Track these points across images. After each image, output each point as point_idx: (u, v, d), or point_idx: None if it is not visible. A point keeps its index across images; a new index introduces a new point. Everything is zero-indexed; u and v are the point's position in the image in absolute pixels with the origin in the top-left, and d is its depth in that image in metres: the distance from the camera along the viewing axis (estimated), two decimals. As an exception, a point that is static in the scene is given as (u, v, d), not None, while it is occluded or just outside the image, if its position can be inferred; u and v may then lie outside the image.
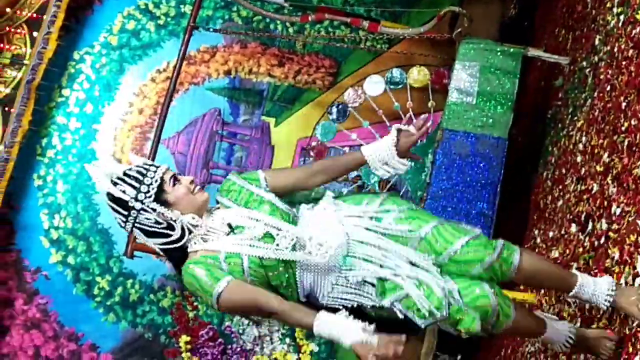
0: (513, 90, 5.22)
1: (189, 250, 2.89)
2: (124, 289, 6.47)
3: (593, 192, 3.80)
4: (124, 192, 2.84)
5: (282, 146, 6.69)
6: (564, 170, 4.50)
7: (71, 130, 6.80)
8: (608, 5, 4.33)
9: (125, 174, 2.89)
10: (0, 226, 6.44)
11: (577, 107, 4.56)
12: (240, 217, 2.86)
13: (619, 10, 4.06)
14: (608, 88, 3.89)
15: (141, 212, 2.83)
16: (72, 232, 6.54)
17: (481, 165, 5.15)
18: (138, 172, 2.88)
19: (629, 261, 3.04)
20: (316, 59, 6.99)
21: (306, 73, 6.95)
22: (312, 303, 2.89)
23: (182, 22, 6.68)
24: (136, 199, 2.83)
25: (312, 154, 5.87)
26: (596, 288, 2.90)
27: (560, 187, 4.49)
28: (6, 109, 6.36)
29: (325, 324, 2.67)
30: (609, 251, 3.31)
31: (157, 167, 2.91)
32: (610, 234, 3.37)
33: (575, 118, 4.50)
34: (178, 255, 2.89)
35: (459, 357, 6.45)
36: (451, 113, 5.22)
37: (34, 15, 6.52)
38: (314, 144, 5.89)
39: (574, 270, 3.13)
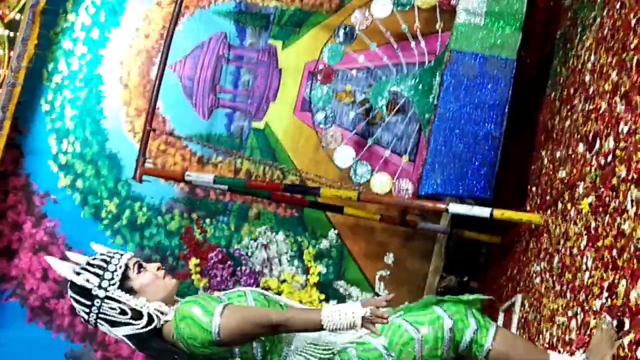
0: (522, 10, 5.15)
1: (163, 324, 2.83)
2: (132, 212, 6.51)
3: (601, 111, 3.78)
4: (87, 280, 2.79)
5: (290, 70, 6.64)
6: (572, 90, 4.46)
7: (77, 56, 6.76)
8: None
9: (88, 263, 2.85)
10: (9, 151, 6.45)
11: (586, 26, 4.50)
12: None
13: None
14: (618, 6, 3.83)
15: (105, 300, 2.78)
16: (81, 156, 6.56)
17: (489, 86, 5.10)
18: (102, 260, 2.84)
19: (635, 178, 3.04)
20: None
21: (313, -8, 6.86)
22: None
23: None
24: (100, 287, 2.79)
25: (319, 77, 5.82)
26: None
27: (569, 107, 4.46)
28: (10, 33, 6.33)
29: (333, 314, 2.64)
30: (616, 169, 3.31)
31: (122, 254, 2.87)
32: (618, 152, 3.35)
33: (584, 37, 4.44)
34: (148, 340, 2.81)
35: (465, 278, 6.52)
36: (459, 34, 5.16)
37: (37, -61, 6.44)
38: (321, 67, 5.84)
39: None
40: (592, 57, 4.17)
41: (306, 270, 6.05)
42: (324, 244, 5.86)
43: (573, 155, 4.12)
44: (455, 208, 4.90)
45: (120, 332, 2.80)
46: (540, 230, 4.53)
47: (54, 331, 6.39)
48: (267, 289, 5.23)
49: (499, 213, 4.76)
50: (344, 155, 5.61)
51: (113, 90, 6.67)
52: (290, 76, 6.58)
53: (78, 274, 2.81)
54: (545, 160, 4.78)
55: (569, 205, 3.99)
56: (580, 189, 3.83)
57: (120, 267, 2.82)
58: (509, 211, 4.79)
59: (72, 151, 6.57)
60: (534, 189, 4.96)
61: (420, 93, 5.50)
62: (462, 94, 5.09)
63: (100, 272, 2.80)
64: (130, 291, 2.81)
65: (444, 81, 5.12)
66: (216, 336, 2.66)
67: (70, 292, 2.84)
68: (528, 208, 4.99)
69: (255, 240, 5.76)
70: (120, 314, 2.79)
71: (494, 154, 5.02)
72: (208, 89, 6.61)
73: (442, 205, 4.98)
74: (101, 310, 2.79)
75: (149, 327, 2.79)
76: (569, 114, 4.43)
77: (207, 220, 6.41)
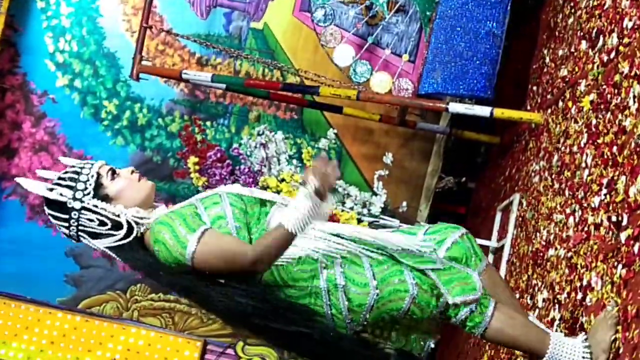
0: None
1: (143, 232, 2.79)
2: (132, 112, 6.47)
3: (605, 7, 3.73)
4: (60, 194, 2.74)
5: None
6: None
7: (72, -48, 6.61)
8: None
9: (59, 177, 2.80)
10: (5, 49, 6.37)
11: None
12: None
13: None
14: None
15: (82, 212, 2.73)
16: (78, 55, 6.47)
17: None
18: (73, 172, 2.79)
19: (639, 74, 3.02)
20: None
21: None
22: None
23: None
24: (74, 199, 2.74)
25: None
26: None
27: (572, 3, 4.40)
28: None
29: (290, 215, 2.55)
30: (619, 65, 3.28)
31: (92, 163, 2.82)
32: (621, 48, 3.32)
33: None
34: (131, 251, 2.76)
35: (463, 179, 6.55)
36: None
37: None
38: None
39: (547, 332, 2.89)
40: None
41: (305, 169, 6.05)
42: (323, 143, 5.84)
43: (575, 53, 4.09)
44: (455, 107, 4.89)
45: (102, 244, 2.76)
46: (540, 129, 4.53)
47: (54, 229, 6.43)
48: (266, 188, 5.23)
49: (499, 112, 4.75)
50: (344, 54, 5.55)
51: (109, -13, 6.54)
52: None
53: (51, 190, 2.77)
54: (547, 59, 4.74)
55: (569, 104, 3.98)
56: (582, 87, 3.81)
57: (92, 175, 2.77)
58: (510, 110, 4.78)
59: (69, 50, 6.47)
60: (534, 88, 4.94)
61: (422, -10, 5.40)
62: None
63: (72, 184, 2.75)
64: (106, 198, 2.77)
65: (446, -22, 5.04)
66: (189, 263, 2.63)
67: (47, 210, 2.80)
68: (528, 107, 4.97)
69: (254, 139, 5.74)
70: (99, 225, 2.75)
71: (496, 52, 4.97)
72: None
73: (442, 104, 4.97)
74: (80, 223, 2.75)
75: (130, 237, 2.75)
76: (573, 11, 4.37)
77: (208, 123, 6.38)
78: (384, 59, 5.63)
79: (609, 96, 3.34)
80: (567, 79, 4.14)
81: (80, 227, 2.76)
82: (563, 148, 3.92)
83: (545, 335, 2.80)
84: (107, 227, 2.75)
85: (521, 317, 2.89)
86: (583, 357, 2.69)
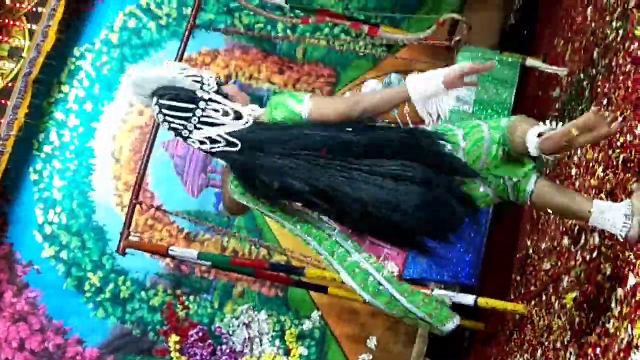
0: (510, 100, 5.24)
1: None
2: (115, 285, 6.47)
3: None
4: (190, 85, 2.90)
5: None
6: (558, 181, 4.51)
7: (69, 127, 6.80)
8: (608, 19, 4.34)
9: (184, 76, 2.93)
10: (-5, 217, 6.45)
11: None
12: None
13: (618, 24, 4.07)
14: (605, 102, 3.90)
15: (209, 102, 2.90)
16: (66, 227, 6.54)
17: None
18: (190, 72, 2.95)
19: (620, 276, 3.05)
20: (316, 68, 7.02)
21: (306, 82, 6.97)
22: None
23: (184, 23, 6.67)
24: (203, 90, 2.91)
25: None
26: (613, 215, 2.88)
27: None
28: (2, 101, 6.35)
29: (418, 81, 2.80)
30: (602, 266, 3.32)
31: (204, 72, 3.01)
32: (603, 248, 3.37)
33: (571, 130, 4.50)
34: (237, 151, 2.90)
35: (447, 364, 6.47)
36: (448, 121, 5.21)
37: (34, 8, 6.51)
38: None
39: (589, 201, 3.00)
40: (579, 151, 4.22)
41: (287, 352, 5.99)
42: (307, 324, 5.81)
43: (558, 248, 4.14)
44: (440, 294, 4.89)
45: (220, 130, 2.89)
46: (524, 321, 4.52)
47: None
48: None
49: (483, 301, 4.74)
50: (331, 236, 5.60)
51: (104, 163, 6.69)
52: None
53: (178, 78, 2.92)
54: (530, 250, 4.80)
55: (553, 298, 3.99)
56: (565, 283, 3.84)
57: (212, 77, 2.96)
58: (494, 300, 4.78)
59: (58, 222, 6.55)
60: (518, 277, 4.97)
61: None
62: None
63: (197, 79, 2.92)
64: (227, 97, 2.95)
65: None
66: (306, 117, 2.86)
67: (165, 102, 2.89)
68: (512, 296, 4.98)
69: (237, 318, 5.71)
70: (223, 115, 2.90)
71: (480, 240, 5.05)
72: (199, 169, 6.64)
73: (426, 291, 4.97)
74: (205, 113, 2.89)
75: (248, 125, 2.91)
76: (555, 205, 4.45)
77: (191, 297, 6.37)
78: (370, 241, 5.68)
79: (591, 296, 3.36)
80: (550, 273, 4.18)
81: (202, 118, 2.89)
82: (547, 343, 3.90)
83: (589, 202, 2.94)
84: (230, 117, 2.91)
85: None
86: (625, 219, 2.84)
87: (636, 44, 3.63)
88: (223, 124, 2.91)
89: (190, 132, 2.92)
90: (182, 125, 2.91)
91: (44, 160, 6.68)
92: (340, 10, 6.82)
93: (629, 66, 3.66)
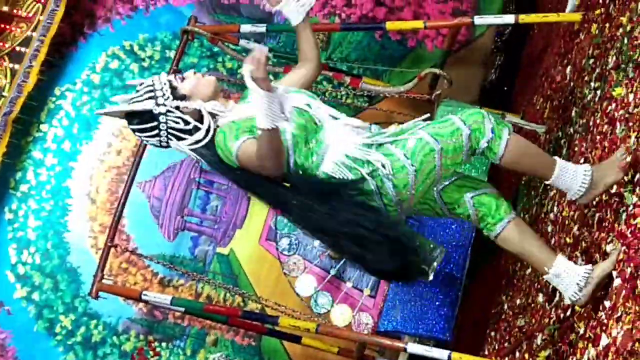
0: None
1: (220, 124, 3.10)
2: (87, 329, 6.39)
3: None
4: (145, 105, 3.00)
5: (259, 199, 6.65)
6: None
7: (47, 166, 6.76)
8: (586, 79, 4.40)
9: (135, 95, 3.07)
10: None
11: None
12: None
13: (596, 85, 4.12)
14: (582, 161, 3.93)
15: (168, 114, 3.00)
16: (40, 268, 6.47)
17: (454, 227, 5.19)
18: (146, 86, 3.06)
19: (592, 338, 3.05)
20: (296, 118, 7.03)
21: (286, 128, 6.99)
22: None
23: (167, 66, 6.70)
24: (157, 104, 3.00)
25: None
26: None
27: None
28: (-20, 139, 6.32)
29: (258, 116, 2.80)
30: (575, 325, 3.32)
31: (158, 76, 3.11)
32: (577, 307, 3.38)
33: (549, 187, 4.54)
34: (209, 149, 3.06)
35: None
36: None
37: (17, 48, 6.51)
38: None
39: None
40: (555, 209, 4.25)
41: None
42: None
43: (532, 305, 4.14)
44: (414, 348, 4.84)
45: (187, 144, 3.05)
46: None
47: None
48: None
49: (457, 356, 4.72)
50: (306, 284, 5.60)
51: (80, 204, 6.65)
52: (259, 204, 6.57)
53: (132, 104, 3.04)
54: (505, 306, 4.79)
55: (526, 355, 3.98)
56: (539, 340, 3.83)
57: (165, 83, 3.04)
58: (468, 355, 4.75)
59: (31, 262, 6.48)
60: (492, 333, 4.96)
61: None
62: (426, 233, 5.14)
63: (151, 94, 3.01)
64: (184, 98, 3.04)
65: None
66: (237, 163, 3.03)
67: (134, 127, 3.07)
68: (487, 352, 4.96)
69: (208, 367, 5.67)
70: (185, 124, 3.02)
71: (455, 295, 5.04)
72: (176, 211, 6.62)
73: (400, 344, 4.94)
74: (169, 125, 3.02)
75: (210, 133, 3.05)
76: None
77: (163, 344, 6.30)
78: (345, 292, 5.67)
79: (564, 354, 3.35)
80: (524, 330, 4.17)
81: (169, 130, 3.04)
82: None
83: (552, 161, 3.12)
84: (191, 125, 3.04)
85: (533, 147, 3.24)
86: (582, 183, 3.08)
87: (613, 104, 3.68)
88: (188, 132, 3.05)
89: (168, 144, 3.09)
90: (158, 141, 3.09)
91: (19, 200, 6.63)
92: (323, 60, 6.86)
93: (605, 126, 3.70)
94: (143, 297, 5.44)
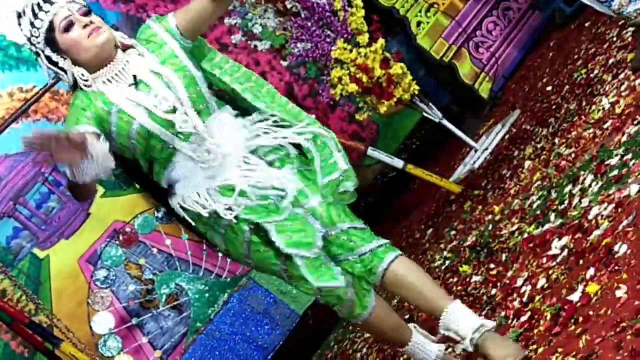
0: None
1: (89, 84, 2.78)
2: None
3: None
4: (21, 30, 2.78)
5: (97, 218, 6.49)
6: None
7: None
8: (442, 245, 4.57)
9: (24, 9, 2.77)
10: None
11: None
12: (150, 73, 2.75)
13: (449, 255, 4.29)
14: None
15: (41, 54, 2.77)
16: None
17: (267, 327, 5.18)
18: (32, 7, 2.75)
19: None
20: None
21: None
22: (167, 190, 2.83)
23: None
24: (30, 42, 2.78)
25: (120, 238, 5.76)
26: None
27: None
28: None
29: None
30: None
31: (52, 4, 2.72)
32: None
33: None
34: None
35: None
36: (263, 269, 5.27)
37: None
38: (128, 229, 5.79)
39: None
40: (364, 350, 4.32)
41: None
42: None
43: None
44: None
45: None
46: None
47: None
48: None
49: None
50: (103, 321, 5.48)
51: None
52: (95, 224, 6.42)
53: (19, 17, 2.77)
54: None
55: None
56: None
57: (41, 26, 2.73)
58: None
59: None
60: None
61: (204, 301, 5.50)
62: (239, 322, 5.13)
63: (30, 27, 2.75)
64: (58, 51, 2.74)
65: (229, 301, 5.17)
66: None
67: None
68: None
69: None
70: (49, 63, 2.77)
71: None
72: (11, 196, 6.35)
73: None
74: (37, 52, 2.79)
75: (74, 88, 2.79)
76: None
77: None
78: (139, 344, 5.54)
79: None
80: None
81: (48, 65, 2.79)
82: None
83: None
84: (56, 69, 2.77)
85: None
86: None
87: (455, 278, 3.83)
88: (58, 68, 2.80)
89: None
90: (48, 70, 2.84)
91: None
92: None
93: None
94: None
